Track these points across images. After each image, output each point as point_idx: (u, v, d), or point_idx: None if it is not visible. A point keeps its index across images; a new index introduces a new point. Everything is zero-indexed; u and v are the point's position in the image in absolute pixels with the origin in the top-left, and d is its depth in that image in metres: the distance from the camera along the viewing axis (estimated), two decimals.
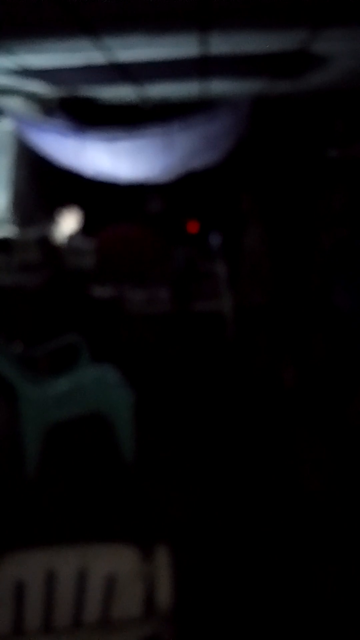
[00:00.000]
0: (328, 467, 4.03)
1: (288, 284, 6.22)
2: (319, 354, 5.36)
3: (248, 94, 6.56)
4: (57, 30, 4.12)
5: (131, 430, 4.09)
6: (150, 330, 6.06)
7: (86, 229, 7.57)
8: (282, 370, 5.47)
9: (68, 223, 7.36)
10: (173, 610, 1.83)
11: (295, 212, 7.18)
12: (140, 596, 1.87)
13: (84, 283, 6.36)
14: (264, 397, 5.14)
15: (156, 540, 2.05)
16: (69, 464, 4.16)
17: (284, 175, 8.05)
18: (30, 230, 7.19)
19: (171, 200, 8.67)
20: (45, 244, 6.81)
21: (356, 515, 3.48)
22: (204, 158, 6.27)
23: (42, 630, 1.84)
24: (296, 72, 6.10)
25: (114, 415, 4.10)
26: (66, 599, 1.87)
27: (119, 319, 6.07)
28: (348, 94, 7.59)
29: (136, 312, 6.16)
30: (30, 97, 7.15)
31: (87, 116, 7.09)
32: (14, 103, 7.07)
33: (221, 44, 4.68)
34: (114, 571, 1.89)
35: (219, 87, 6.94)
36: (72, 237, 7.29)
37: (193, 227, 8.44)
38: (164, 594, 1.86)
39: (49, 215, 7.49)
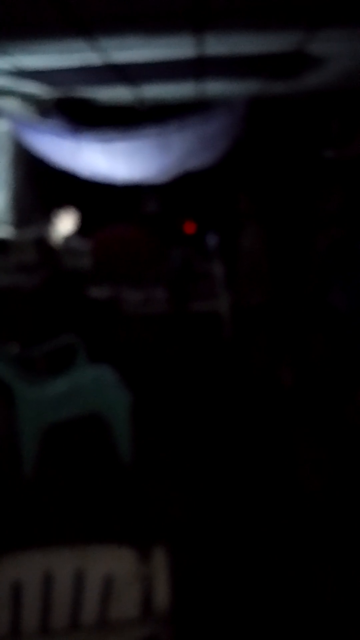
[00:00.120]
0: (327, 466, 4.03)
1: (286, 284, 6.22)
2: (318, 354, 5.36)
3: (244, 94, 6.57)
4: (53, 32, 4.12)
5: (129, 430, 4.09)
6: (147, 330, 6.06)
7: (83, 230, 7.57)
8: (281, 370, 5.47)
9: (65, 224, 7.36)
10: (171, 611, 1.83)
11: (292, 212, 7.19)
12: (138, 597, 1.87)
13: (81, 284, 6.36)
14: (263, 397, 5.14)
15: (154, 540, 2.05)
16: (66, 465, 4.16)
17: (281, 175, 8.06)
18: (27, 231, 7.19)
19: (167, 201, 8.68)
20: (42, 244, 6.81)
21: (356, 515, 3.49)
22: (200, 159, 6.28)
23: (40, 631, 1.84)
24: (292, 73, 6.11)
25: (112, 415, 4.10)
26: (64, 600, 1.87)
27: (116, 319, 6.07)
28: (344, 94, 7.60)
29: (133, 312, 6.16)
30: (26, 98, 7.15)
31: (83, 117, 7.09)
32: (10, 104, 7.07)
33: (217, 45, 4.69)
34: (112, 572, 1.89)
35: (215, 88, 6.94)
36: (68, 238, 7.29)
37: (189, 227, 8.45)
38: (162, 595, 1.86)
39: (46, 216, 7.49)
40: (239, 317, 6.12)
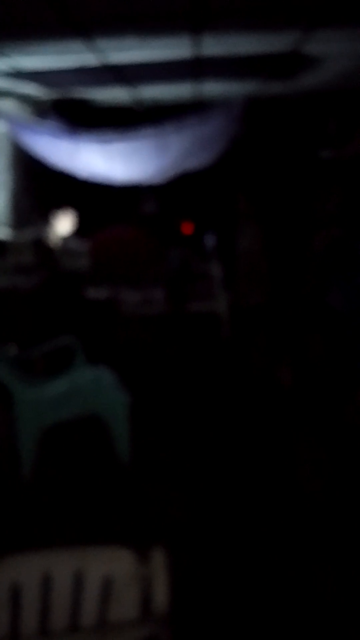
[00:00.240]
0: (327, 467, 4.04)
1: (284, 284, 6.23)
2: (316, 353, 5.36)
3: (241, 95, 6.57)
4: (50, 33, 4.12)
5: (127, 431, 4.09)
6: (145, 331, 6.06)
7: (81, 231, 7.57)
8: (280, 370, 5.47)
9: (63, 225, 7.36)
10: (170, 612, 1.83)
11: (290, 212, 7.20)
12: (137, 598, 1.87)
13: (79, 284, 6.36)
14: (262, 397, 5.14)
15: (153, 541, 2.05)
16: (65, 466, 4.16)
17: (279, 175, 8.07)
18: (25, 232, 7.19)
19: (165, 202, 8.68)
20: (40, 245, 6.81)
21: (356, 515, 3.49)
22: (197, 159, 6.28)
23: (39, 633, 1.83)
24: (289, 73, 6.11)
25: (110, 416, 4.10)
26: (63, 602, 1.87)
27: (115, 320, 6.07)
28: (341, 94, 7.61)
29: (131, 313, 6.16)
30: (24, 99, 7.15)
31: (80, 118, 7.10)
32: (8, 105, 7.07)
33: (214, 46, 4.69)
34: (111, 573, 1.89)
35: (212, 88, 6.95)
36: (66, 239, 7.29)
37: (187, 228, 8.45)
38: (161, 596, 1.86)
39: (44, 217, 7.49)
40: (237, 318, 6.13)
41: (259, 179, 8.05)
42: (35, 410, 3.96)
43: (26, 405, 3.94)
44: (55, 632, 1.84)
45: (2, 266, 6.60)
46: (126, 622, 1.84)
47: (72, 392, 4.08)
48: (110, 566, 1.91)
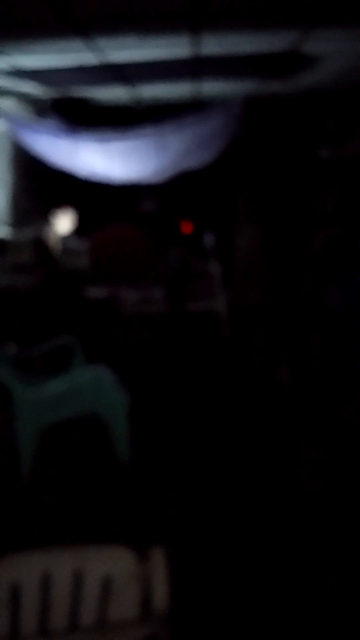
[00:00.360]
0: (326, 467, 4.04)
1: (283, 283, 6.23)
2: (316, 353, 5.37)
3: (240, 94, 6.57)
4: (49, 32, 4.12)
5: (126, 430, 4.10)
6: (144, 330, 6.06)
7: (80, 230, 7.57)
8: (279, 369, 5.48)
9: (62, 224, 7.36)
10: (170, 612, 1.84)
11: (288, 211, 7.20)
12: (136, 598, 1.87)
13: (79, 284, 6.36)
14: (261, 396, 5.14)
15: (152, 541, 2.05)
16: (64, 465, 4.16)
17: (277, 175, 8.06)
18: (24, 231, 7.19)
19: (164, 201, 8.68)
20: (40, 244, 6.81)
21: (356, 515, 3.49)
22: (196, 158, 6.28)
23: (39, 632, 1.84)
24: (288, 73, 6.11)
25: (110, 416, 4.10)
26: (62, 602, 1.87)
27: (114, 319, 6.07)
28: (339, 93, 7.61)
29: (131, 312, 6.16)
30: (23, 98, 7.15)
31: (80, 117, 7.10)
32: (8, 104, 7.07)
33: (213, 45, 4.69)
34: (110, 573, 1.89)
35: (211, 87, 6.95)
36: (66, 238, 7.29)
37: (186, 227, 8.45)
38: (161, 595, 1.86)
39: (44, 216, 7.49)
40: (236, 317, 6.13)
41: (258, 178, 8.05)
42: (34, 409, 3.96)
43: (26, 404, 3.94)
44: (55, 631, 1.85)
45: (1, 265, 6.60)
46: (126, 621, 1.84)
47: (72, 392, 4.08)
48: (110, 565, 1.91)
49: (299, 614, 2.77)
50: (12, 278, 6.30)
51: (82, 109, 7.72)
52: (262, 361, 5.72)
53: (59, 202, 7.63)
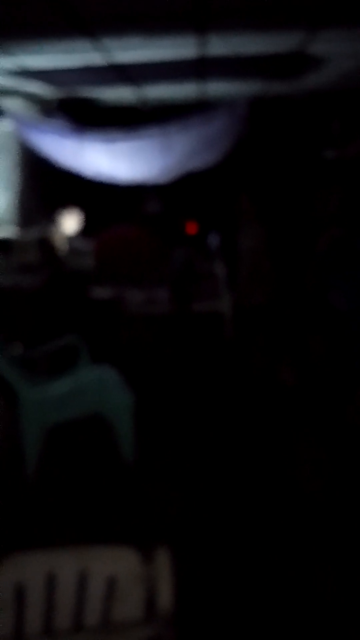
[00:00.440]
0: (327, 467, 4.04)
1: (286, 283, 6.23)
2: (318, 353, 5.37)
3: (245, 95, 6.57)
4: (56, 32, 4.13)
5: (131, 431, 4.10)
6: (149, 331, 6.06)
7: (86, 230, 7.58)
8: (282, 370, 5.48)
9: (68, 224, 7.37)
10: (174, 612, 1.84)
11: (292, 212, 7.19)
12: (141, 598, 1.87)
13: (84, 284, 6.36)
14: (263, 397, 5.14)
15: (157, 541, 2.06)
16: (69, 465, 4.16)
17: (282, 175, 8.06)
18: (30, 231, 7.20)
19: (169, 201, 8.68)
20: (45, 244, 6.82)
21: (356, 515, 3.49)
22: (201, 159, 6.29)
23: (43, 633, 1.84)
24: (293, 74, 6.12)
25: (114, 416, 4.11)
26: (67, 602, 1.87)
27: (118, 319, 6.08)
28: (344, 94, 7.61)
29: (135, 312, 6.16)
30: (29, 98, 7.16)
31: (85, 117, 7.11)
32: (14, 104, 7.08)
33: (219, 46, 4.70)
34: (115, 573, 1.90)
35: (216, 88, 6.95)
36: (71, 238, 7.30)
37: (191, 227, 8.46)
38: (165, 596, 1.86)
39: (49, 216, 7.50)
40: (240, 317, 6.13)
41: (263, 178, 8.05)
42: (39, 409, 3.97)
43: (31, 404, 3.95)
44: (59, 631, 1.85)
45: (7, 265, 6.61)
46: (130, 622, 1.84)
47: (77, 392, 4.08)
48: (114, 566, 1.91)
49: (300, 614, 2.77)
50: (17, 278, 6.32)
51: (88, 109, 7.73)
52: (266, 361, 5.72)
53: (65, 202, 7.65)
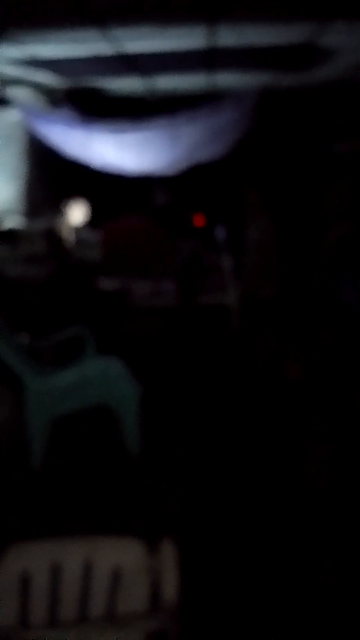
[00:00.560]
0: (334, 463, 4.03)
1: (294, 277, 6.21)
2: (326, 348, 5.35)
3: (254, 86, 6.54)
4: (65, 21, 4.11)
5: (136, 423, 4.10)
6: (155, 322, 6.06)
7: (93, 221, 7.57)
8: (288, 364, 5.46)
9: (75, 215, 7.36)
10: (179, 605, 1.83)
11: (300, 205, 7.17)
12: (145, 590, 1.87)
13: (90, 275, 6.36)
14: (270, 391, 5.13)
15: (162, 533, 2.05)
16: (74, 457, 4.17)
17: (290, 168, 8.03)
18: (37, 222, 7.20)
19: (177, 193, 8.66)
20: (52, 235, 6.81)
21: None
22: (209, 151, 6.27)
23: (48, 623, 1.84)
24: (303, 66, 6.08)
25: (120, 407, 4.11)
26: (72, 592, 1.87)
27: (125, 311, 6.07)
28: (354, 87, 7.56)
29: (141, 304, 6.16)
30: (37, 87, 7.14)
31: (93, 108, 7.08)
32: (22, 93, 7.06)
33: (228, 37, 4.67)
34: (120, 564, 1.89)
35: (225, 79, 6.92)
36: (78, 229, 7.29)
37: (198, 220, 8.44)
38: (170, 588, 1.85)
39: (56, 206, 7.49)
40: (247, 310, 6.11)
41: (271, 171, 8.01)
42: (45, 400, 3.97)
43: (36, 395, 3.95)
44: (64, 621, 1.85)
45: (14, 256, 6.61)
46: (135, 613, 1.84)
47: (82, 383, 4.08)
48: (119, 557, 1.91)
49: (304, 609, 2.77)
50: (24, 269, 6.31)
51: (96, 99, 7.71)
52: (273, 355, 5.70)
53: (72, 193, 7.63)
